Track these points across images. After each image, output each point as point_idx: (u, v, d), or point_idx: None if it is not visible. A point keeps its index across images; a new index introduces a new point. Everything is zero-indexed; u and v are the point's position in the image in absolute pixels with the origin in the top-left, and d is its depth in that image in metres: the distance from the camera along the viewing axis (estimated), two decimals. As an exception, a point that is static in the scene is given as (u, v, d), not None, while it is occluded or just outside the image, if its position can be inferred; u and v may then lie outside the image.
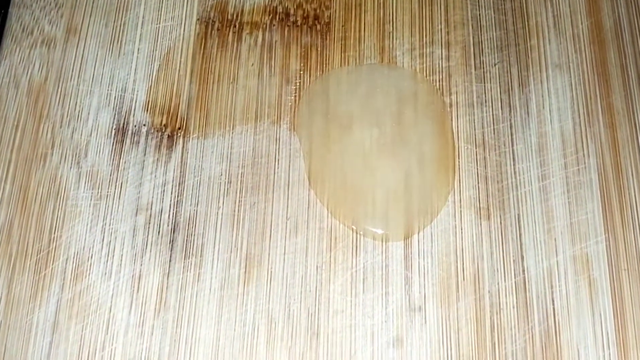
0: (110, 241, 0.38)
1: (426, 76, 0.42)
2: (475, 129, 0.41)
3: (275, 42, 0.43)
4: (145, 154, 0.40)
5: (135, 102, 0.41)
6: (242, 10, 0.43)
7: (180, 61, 0.42)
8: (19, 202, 0.38)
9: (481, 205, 0.39)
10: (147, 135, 0.40)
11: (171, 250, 0.38)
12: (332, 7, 0.44)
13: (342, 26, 0.43)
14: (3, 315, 0.36)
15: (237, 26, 0.43)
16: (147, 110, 0.41)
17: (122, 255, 0.38)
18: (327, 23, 0.43)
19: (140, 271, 0.37)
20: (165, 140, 0.40)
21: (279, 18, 0.43)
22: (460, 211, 0.39)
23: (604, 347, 0.36)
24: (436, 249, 0.38)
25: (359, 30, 0.43)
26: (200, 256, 0.38)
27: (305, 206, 0.39)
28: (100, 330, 0.36)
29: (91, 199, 0.39)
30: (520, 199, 0.39)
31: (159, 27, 0.43)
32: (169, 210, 0.39)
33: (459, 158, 0.40)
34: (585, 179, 0.40)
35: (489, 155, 0.40)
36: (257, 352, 0.36)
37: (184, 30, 0.43)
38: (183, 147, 0.40)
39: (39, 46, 0.42)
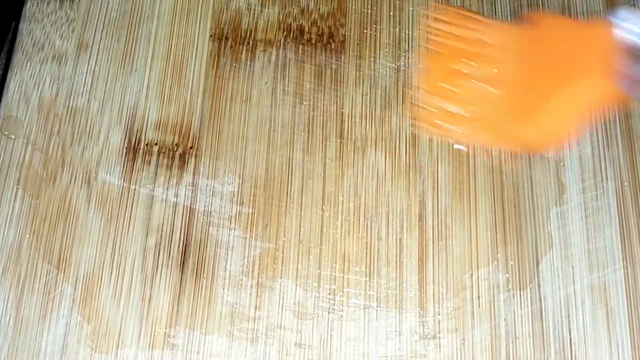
0: (120, 262, 0.37)
1: (442, 97, 0.41)
2: (492, 152, 0.40)
3: (289, 60, 0.42)
4: (156, 174, 0.39)
5: (147, 120, 0.40)
6: (256, 27, 0.43)
7: (193, 78, 0.41)
8: (28, 221, 0.38)
9: (497, 230, 0.39)
10: (158, 155, 0.40)
11: (182, 273, 0.37)
12: (347, 25, 0.43)
13: (357, 44, 0.42)
14: (11, 337, 0.36)
15: (250, 43, 0.42)
16: (159, 129, 0.40)
17: (132, 277, 0.37)
18: (342, 41, 0.42)
19: (150, 294, 0.37)
20: (177, 160, 0.39)
21: (293, 36, 0.42)
22: (477, 236, 0.38)
23: (622, 378, 0.36)
24: (451, 275, 0.37)
25: (374, 49, 0.42)
26: (211, 278, 0.37)
27: (318, 229, 0.38)
28: (109, 354, 0.36)
29: (101, 220, 0.38)
30: (538, 224, 0.39)
31: (171, 43, 0.42)
32: (180, 232, 0.38)
33: (475, 181, 0.39)
34: (604, 204, 0.39)
35: (506, 178, 0.40)
36: (268, 378, 0.35)
37: (196, 47, 0.42)
38: (195, 167, 0.39)
39: (50, 61, 0.41)
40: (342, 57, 0.42)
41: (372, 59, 0.42)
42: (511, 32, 0.41)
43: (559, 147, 0.39)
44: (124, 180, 0.39)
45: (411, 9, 0.43)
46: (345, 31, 0.43)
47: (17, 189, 0.38)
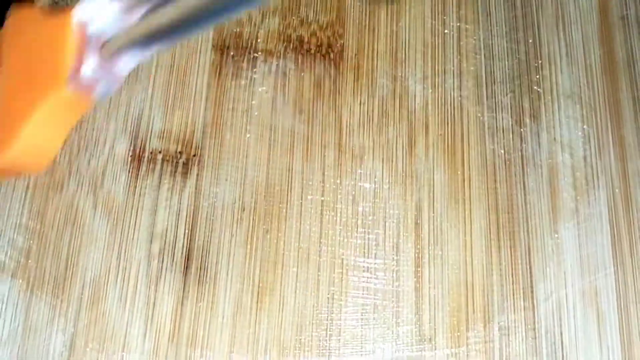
0: (125, 268, 0.39)
1: (438, 105, 0.42)
2: (486, 160, 0.41)
3: (289, 70, 0.43)
4: (160, 181, 0.40)
5: (151, 129, 0.41)
6: (257, 38, 0.44)
7: (196, 88, 0.42)
8: (36, 228, 0.39)
9: (492, 237, 0.40)
10: (162, 163, 0.41)
11: (185, 278, 0.38)
12: (345, 35, 0.44)
13: (355, 55, 0.43)
14: (21, 340, 0.37)
15: (251, 54, 0.43)
16: (163, 138, 0.41)
17: (137, 281, 0.38)
18: (340, 51, 0.44)
19: (154, 298, 0.38)
20: (180, 168, 0.41)
21: (293, 46, 0.43)
22: (471, 242, 0.39)
23: (612, 381, 0.37)
24: (447, 280, 0.39)
25: (372, 59, 0.43)
26: (214, 283, 0.38)
27: (317, 235, 0.39)
28: (115, 356, 0.37)
29: (107, 226, 0.39)
30: (531, 231, 0.40)
31: (175, 54, 0.43)
32: (183, 238, 0.39)
33: (470, 189, 0.41)
34: (595, 212, 0.40)
35: (500, 186, 0.41)
36: (268, 380, 0.37)
37: (199, 57, 0.43)
38: (198, 174, 0.41)
39: (57, 72, 0.42)
40: (341, 67, 0.43)
41: (369, 69, 0.43)
42: None
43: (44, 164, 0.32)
44: (128, 188, 0.40)
45: (408, 19, 0.44)
46: (343, 41, 0.44)
47: (26, 197, 0.40)
